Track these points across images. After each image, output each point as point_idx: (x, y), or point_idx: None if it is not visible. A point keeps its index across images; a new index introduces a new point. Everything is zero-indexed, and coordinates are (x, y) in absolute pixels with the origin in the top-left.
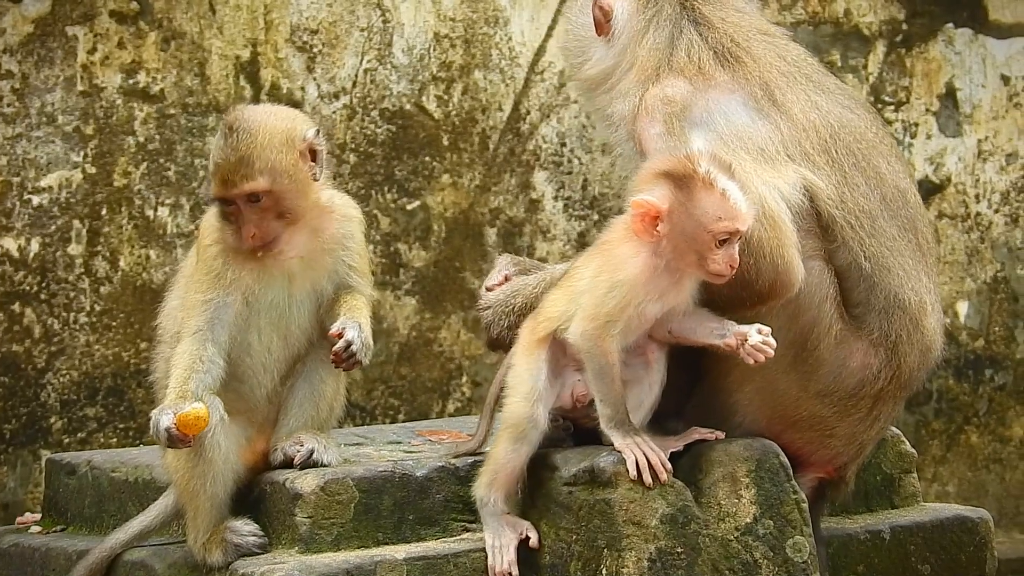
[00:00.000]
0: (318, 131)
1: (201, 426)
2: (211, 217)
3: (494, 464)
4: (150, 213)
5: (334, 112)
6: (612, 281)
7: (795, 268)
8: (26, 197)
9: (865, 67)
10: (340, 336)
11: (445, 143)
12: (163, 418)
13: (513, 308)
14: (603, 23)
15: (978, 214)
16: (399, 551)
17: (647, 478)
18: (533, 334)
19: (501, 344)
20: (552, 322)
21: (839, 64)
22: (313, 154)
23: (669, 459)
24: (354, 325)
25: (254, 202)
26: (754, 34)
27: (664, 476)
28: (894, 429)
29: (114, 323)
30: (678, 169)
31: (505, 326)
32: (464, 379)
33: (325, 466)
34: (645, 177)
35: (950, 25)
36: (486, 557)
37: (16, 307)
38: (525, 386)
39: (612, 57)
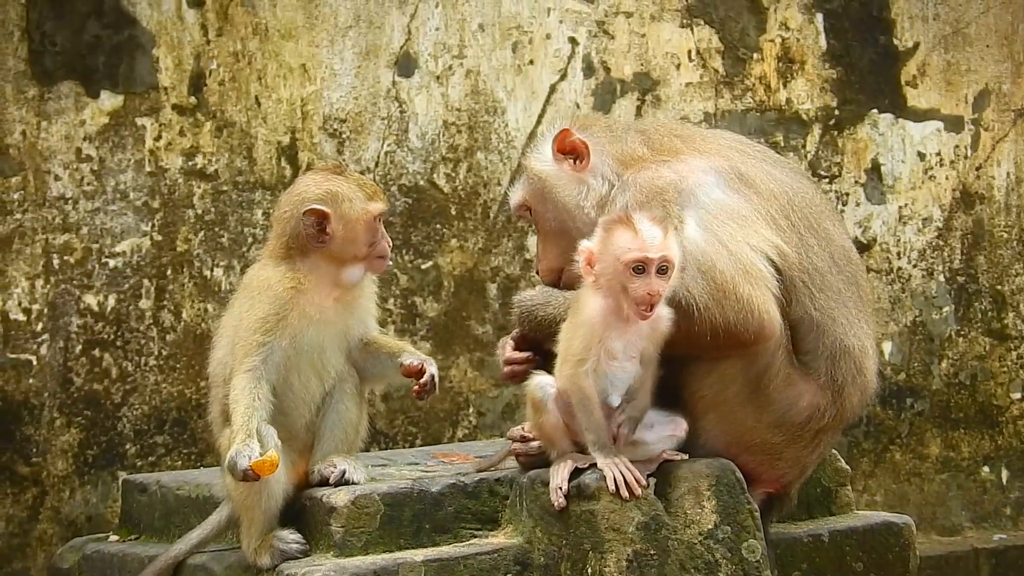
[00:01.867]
0: None
1: (273, 470)
2: (264, 271)
3: (544, 442)
4: (207, 273)
5: None
6: (575, 325)
7: (776, 322)
8: (104, 260)
9: (804, 146)
10: (421, 371)
11: (453, 213)
12: (241, 460)
13: (535, 317)
14: (585, 155)
15: (899, 268)
16: (418, 555)
17: (624, 493)
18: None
19: (524, 333)
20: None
21: (782, 144)
22: None
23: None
24: (429, 361)
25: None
26: (688, 128)
27: (639, 491)
28: (831, 449)
29: (178, 365)
30: (609, 218)
31: (527, 329)
32: (471, 410)
33: (355, 484)
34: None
35: (875, 111)
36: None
37: (96, 352)
38: (533, 378)
39: (604, 175)
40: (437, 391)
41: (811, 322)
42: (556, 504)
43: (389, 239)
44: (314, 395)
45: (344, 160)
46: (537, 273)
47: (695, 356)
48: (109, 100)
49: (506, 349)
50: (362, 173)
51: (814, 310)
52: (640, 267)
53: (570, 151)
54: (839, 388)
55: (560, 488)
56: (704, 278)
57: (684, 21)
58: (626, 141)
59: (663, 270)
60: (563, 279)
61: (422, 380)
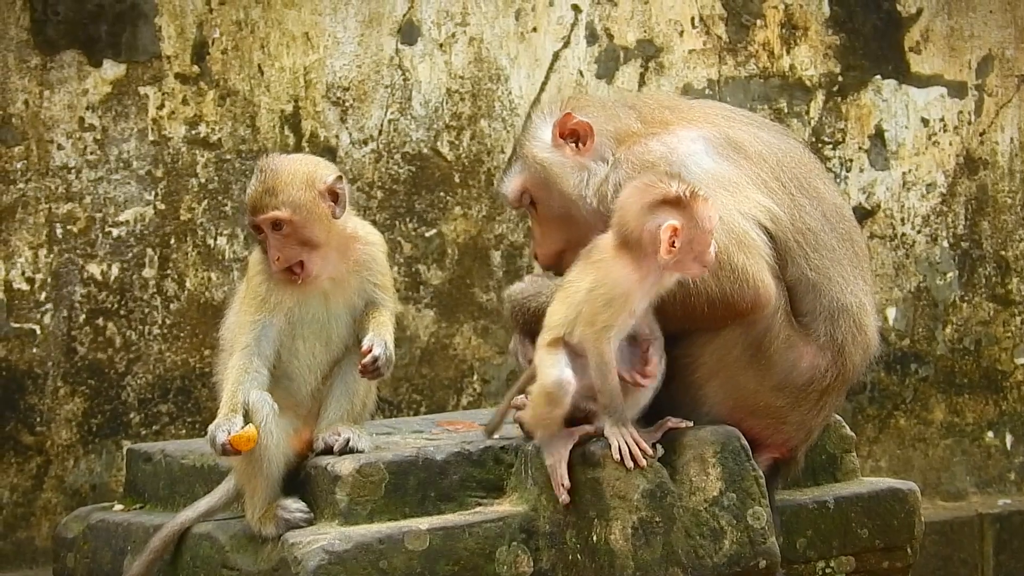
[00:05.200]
0: (340, 176)
1: (251, 445)
2: (257, 253)
3: (534, 424)
4: (211, 242)
5: (363, 156)
6: (610, 296)
7: (771, 290)
8: (107, 230)
9: (808, 113)
10: (369, 351)
11: (457, 181)
12: (219, 435)
13: (528, 309)
14: (588, 137)
15: (903, 234)
16: (423, 523)
17: (628, 463)
18: (546, 341)
19: (519, 328)
20: (557, 329)
21: (786, 110)
22: (334, 195)
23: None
24: (381, 342)
25: (277, 229)
26: (676, 100)
27: (643, 462)
28: (836, 416)
29: (182, 334)
30: (669, 194)
31: (522, 322)
32: (475, 377)
33: (360, 452)
34: (640, 210)
35: (878, 77)
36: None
37: (100, 321)
38: (553, 368)
39: (604, 157)
40: (385, 373)
41: (807, 283)
42: (561, 500)
43: (273, 253)
44: (320, 362)
45: (348, 129)
46: (535, 258)
47: (694, 329)
48: (112, 69)
49: (527, 348)
50: (365, 142)
51: (810, 271)
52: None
53: (570, 135)
54: (840, 347)
55: (563, 485)
56: None
57: None
58: (620, 118)
59: None
60: (562, 263)
61: (364, 361)
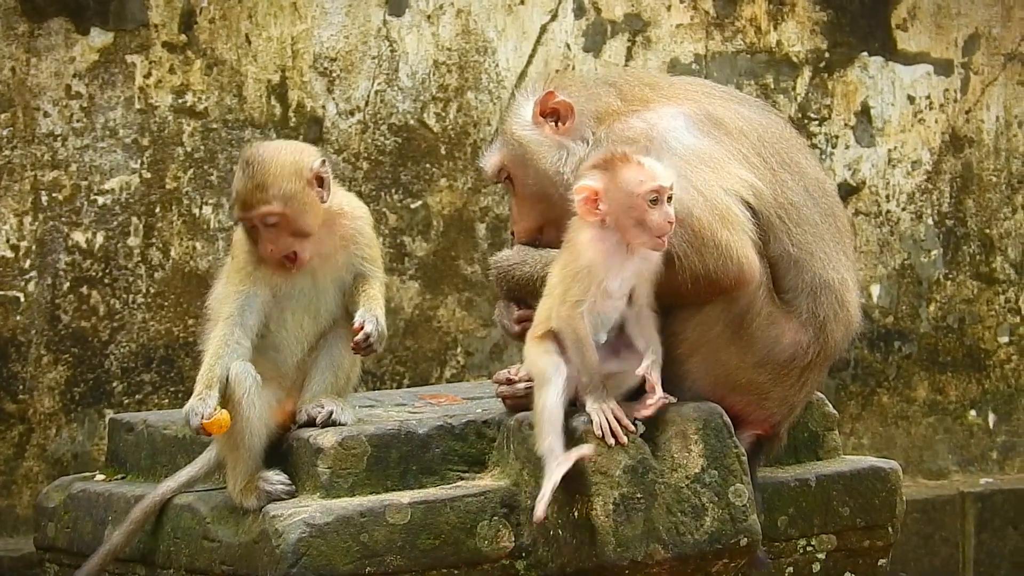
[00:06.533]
0: (324, 160)
1: (223, 430)
2: (242, 228)
3: (540, 420)
4: (196, 211)
5: (350, 127)
6: (576, 269)
7: (755, 266)
8: (92, 198)
9: (794, 89)
10: (361, 328)
11: (443, 152)
12: (192, 419)
13: (512, 277)
14: (568, 116)
15: (888, 211)
16: (404, 496)
17: (609, 440)
18: (535, 335)
19: (504, 294)
20: (545, 323)
21: (772, 87)
22: (320, 180)
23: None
24: (372, 319)
25: (270, 224)
26: (657, 76)
27: (624, 439)
28: (819, 394)
29: (166, 303)
30: (601, 158)
31: (506, 288)
32: (459, 350)
33: (342, 425)
34: (578, 176)
35: (865, 54)
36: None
37: (84, 290)
38: (545, 358)
39: (583, 136)
40: (378, 349)
41: (789, 259)
42: (535, 516)
43: (266, 247)
44: (308, 334)
45: (334, 99)
46: (512, 234)
47: (678, 304)
48: (99, 37)
49: (512, 310)
50: (352, 112)
51: (792, 246)
52: (656, 197)
53: (551, 113)
54: (821, 324)
55: (545, 497)
56: (681, 227)
57: None
58: (600, 97)
59: (670, 198)
60: (541, 239)
61: (356, 338)
